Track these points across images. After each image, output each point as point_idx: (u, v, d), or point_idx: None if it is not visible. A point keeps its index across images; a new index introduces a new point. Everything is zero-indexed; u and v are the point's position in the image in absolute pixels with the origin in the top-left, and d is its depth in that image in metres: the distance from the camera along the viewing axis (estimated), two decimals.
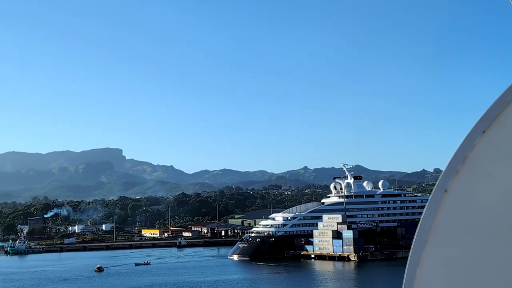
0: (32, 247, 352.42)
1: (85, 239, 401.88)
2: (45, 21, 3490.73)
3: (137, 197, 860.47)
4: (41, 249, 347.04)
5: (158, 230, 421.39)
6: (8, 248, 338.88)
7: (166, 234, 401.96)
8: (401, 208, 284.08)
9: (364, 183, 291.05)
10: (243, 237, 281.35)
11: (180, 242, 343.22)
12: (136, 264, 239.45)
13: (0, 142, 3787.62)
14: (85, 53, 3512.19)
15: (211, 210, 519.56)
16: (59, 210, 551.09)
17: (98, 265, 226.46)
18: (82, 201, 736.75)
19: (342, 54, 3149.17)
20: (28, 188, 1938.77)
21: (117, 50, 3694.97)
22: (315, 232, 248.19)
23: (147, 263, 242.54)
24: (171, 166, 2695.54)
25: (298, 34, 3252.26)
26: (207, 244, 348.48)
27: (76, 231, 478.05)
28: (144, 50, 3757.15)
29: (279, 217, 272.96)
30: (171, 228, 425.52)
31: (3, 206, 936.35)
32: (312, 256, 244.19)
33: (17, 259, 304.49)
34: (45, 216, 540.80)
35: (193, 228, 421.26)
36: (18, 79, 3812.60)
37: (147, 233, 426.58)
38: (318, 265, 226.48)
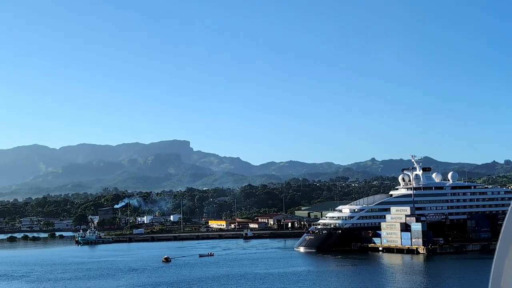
0: (102, 237, 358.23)
1: (153, 230, 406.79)
2: (105, 23, 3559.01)
3: (204, 189, 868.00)
4: (111, 239, 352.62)
5: (224, 222, 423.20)
6: (79, 238, 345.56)
7: (232, 226, 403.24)
8: (471, 200, 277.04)
9: (433, 175, 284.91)
10: (309, 229, 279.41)
11: (246, 234, 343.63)
12: (200, 255, 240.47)
13: (72, 134, 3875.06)
14: (153, 52, 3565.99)
15: (277, 201, 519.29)
16: (129, 201, 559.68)
17: (166, 256, 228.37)
18: (151, 192, 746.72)
19: (411, 52, 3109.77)
20: (99, 179, 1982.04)
21: (185, 47, 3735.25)
22: (383, 225, 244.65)
23: (211, 255, 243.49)
24: (238, 158, 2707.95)
25: (375, 35, 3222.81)
26: (273, 235, 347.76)
27: (145, 222, 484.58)
28: (209, 48, 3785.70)
29: (346, 209, 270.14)
30: (238, 220, 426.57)
31: (75, 197, 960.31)
32: (380, 248, 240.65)
33: (87, 249, 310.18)
34: (115, 206, 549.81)
35: (259, 220, 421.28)
36: (90, 80, 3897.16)
37: (214, 224, 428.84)
38: (386, 258, 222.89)
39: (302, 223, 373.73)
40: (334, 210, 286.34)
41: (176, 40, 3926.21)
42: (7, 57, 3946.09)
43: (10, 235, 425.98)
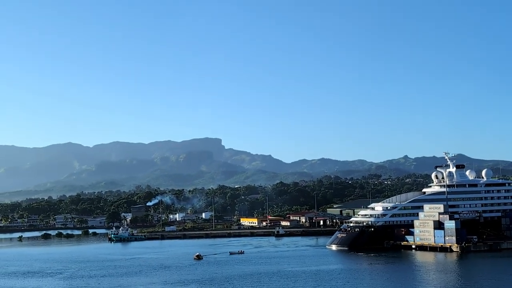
0: (134, 234, 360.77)
1: (185, 227, 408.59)
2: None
3: (236, 186, 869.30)
4: (143, 237, 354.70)
5: (256, 219, 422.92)
6: (112, 235, 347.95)
7: (264, 223, 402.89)
8: (505, 198, 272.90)
9: (467, 172, 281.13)
10: (341, 227, 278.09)
11: (278, 231, 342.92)
12: (231, 253, 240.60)
13: (105, 132, 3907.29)
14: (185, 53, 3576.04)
15: (309, 199, 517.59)
16: (162, 198, 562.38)
17: (197, 253, 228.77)
18: (183, 190, 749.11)
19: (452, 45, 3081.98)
20: (132, 177, 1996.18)
21: (216, 47, 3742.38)
22: (416, 222, 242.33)
23: (241, 252, 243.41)
24: (270, 156, 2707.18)
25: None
26: (305, 233, 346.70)
27: (177, 219, 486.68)
28: (241, 47, 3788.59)
29: (378, 207, 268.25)
30: (269, 217, 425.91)
31: (108, 195, 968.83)
32: (413, 246, 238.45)
33: (120, 246, 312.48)
34: (147, 204, 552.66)
35: (291, 217, 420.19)
36: (123, 81, 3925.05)
37: (245, 222, 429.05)
38: (419, 256, 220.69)
39: (334, 221, 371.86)
40: (367, 207, 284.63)
41: (207, 40, 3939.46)
42: (44, 60, 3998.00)
43: (44, 232, 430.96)
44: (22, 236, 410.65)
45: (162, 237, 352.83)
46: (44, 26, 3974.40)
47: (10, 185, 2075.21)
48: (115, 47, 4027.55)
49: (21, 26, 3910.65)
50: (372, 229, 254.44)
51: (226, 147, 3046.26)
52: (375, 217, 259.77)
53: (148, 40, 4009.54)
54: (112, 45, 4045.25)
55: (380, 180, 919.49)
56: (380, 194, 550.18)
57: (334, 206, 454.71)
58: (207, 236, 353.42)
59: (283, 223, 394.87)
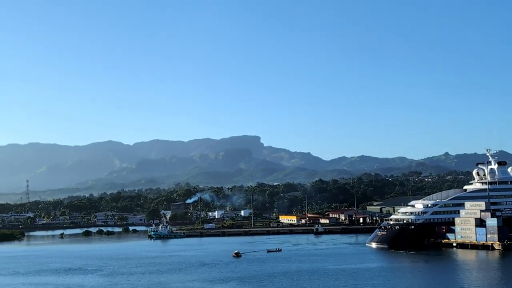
0: (174, 231, 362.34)
1: (224, 225, 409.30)
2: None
3: (275, 184, 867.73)
4: (182, 234, 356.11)
5: (295, 217, 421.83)
6: (152, 233, 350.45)
7: (303, 221, 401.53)
8: None
9: (509, 169, 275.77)
10: (381, 225, 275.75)
11: (317, 229, 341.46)
12: (268, 251, 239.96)
13: (145, 130, 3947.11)
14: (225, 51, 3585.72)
15: (349, 197, 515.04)
16: (201, 196, 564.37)
17: (236, 251, 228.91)
18: (222, 187, 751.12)
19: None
20: (171, 175, 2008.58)
21: (254, 45, 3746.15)
22: (457, 220, 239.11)
23: (279, 250, 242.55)
24: (309, 153, 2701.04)
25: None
26: (344, 231, 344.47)
27: (216, 217, 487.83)
28: (278, 44, 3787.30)
29: (419, 204, 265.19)
30: (309, 215, 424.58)
31: (148, 192, 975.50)
32: (454, 244, 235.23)
33: (159, 243, 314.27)
34: (186, 201, 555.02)
35: (330, 215, 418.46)
36: (161, 79, 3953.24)
37: (284, 219, 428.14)
38: (460, 254, 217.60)
39: (374, 218, 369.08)
40: (407, 205, 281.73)
41: (246, 39, 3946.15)
42: (85, 62, 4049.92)
43: (85, 229, 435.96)
44: (63, 233, 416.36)
45: (201, 235, 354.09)
46: (87, 31, 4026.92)
47: (52, 183, 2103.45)
48: (156, 48, 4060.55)
49: (69, 32, 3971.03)
50: (413, 227, 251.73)
51: (265, 145, 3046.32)
52: (416, 214, 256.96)
53: (188, 39, 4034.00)
54: (152, 46, 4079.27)
55: (420, 178, 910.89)
56: (420, 191, 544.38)
57: (374, 204, 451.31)
58: (245, 233, 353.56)
59: (322, 220, 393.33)
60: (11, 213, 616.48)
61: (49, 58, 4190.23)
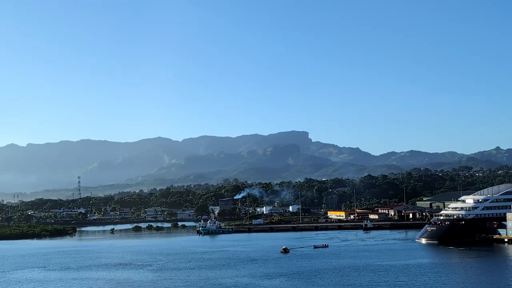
0: (222, 227, 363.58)
1: (272, 220, 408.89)
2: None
3: (323, 179, 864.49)
4: (231, 230, 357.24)
5: (344, 212, 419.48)
6: (200, 228, 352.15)
7: (352, 216, 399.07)
8: None
9: None
10: (431, 220, 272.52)
11: (366, 225, 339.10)
12: (315, 247, 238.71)
13: (193, 127, 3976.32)
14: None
15: (398, 192, 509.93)
16: (250, 191, 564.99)
17: (284, 247, 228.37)
18: (270, 183, 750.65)
19: None
20: (220, 171, 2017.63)
21: (304, 43, 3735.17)
22: (509, 215, 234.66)
23: (326, 246, 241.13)
24: (357, 148, 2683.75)
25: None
26: (393, 227, 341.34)
27: (264, 213, 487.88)
28: (327, 39, 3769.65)
29: (469, 200, 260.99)
30: (357, 210, 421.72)
31: (196, 188, 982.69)
32: (505, 240, 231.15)
33: (208, 238, 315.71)
34: (235, 197, 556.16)
35: (379, 211, 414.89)
36: (210, 76, 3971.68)
37: (333, 215, 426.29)
38: None
39: (424, 214, 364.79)
40: (457, 200, 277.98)
41: (293, 31, 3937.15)
42: (132, 59, 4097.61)
43: (135, 225, 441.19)
44: (114, 228, 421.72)
45: (249, 230, 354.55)
46: (144, 35, 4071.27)
47: (103, 179, 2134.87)
48: (203, 45, 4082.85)
49: (101, 38, 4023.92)
50: (463, 222, 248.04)
51: (313, 140, 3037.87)
52: (466, 210, 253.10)
53: (236, 37, 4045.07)
54: (199, 43, 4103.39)
55: (471, 172, 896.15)
56: (471, 186, 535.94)
57: (424, 199, 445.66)
58: (294, 229, 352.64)
59: (371, 216, 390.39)
60: (63, 209, 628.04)
61: (98, 57, 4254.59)
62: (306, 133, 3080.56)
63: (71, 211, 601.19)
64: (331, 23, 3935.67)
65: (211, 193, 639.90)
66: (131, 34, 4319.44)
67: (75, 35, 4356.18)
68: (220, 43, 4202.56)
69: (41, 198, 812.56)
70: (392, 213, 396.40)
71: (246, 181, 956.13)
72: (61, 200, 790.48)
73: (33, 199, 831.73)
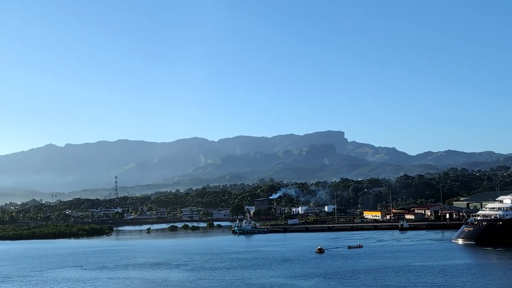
0: (257, 227, 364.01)
1: (307, 220, 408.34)
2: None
3: (359, 179, 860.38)
4: (266, 229, 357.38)
5: (380, 212, 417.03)
6: (235, 228, 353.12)
7: (388, 217, 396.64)
8: None
9: None
10: (468, 221, 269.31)
11: (402, 225, 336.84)
12: (349, 247, 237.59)
13: (229, 127, 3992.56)
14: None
15: (434, 192, 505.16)
16: (286, 191, 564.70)
17: (319, 247, 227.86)
18: (306, 183, 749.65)
19: None
20: (255, 171, 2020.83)
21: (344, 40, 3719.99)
22: None
23: (360, 246, 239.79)
24: (393, 148, 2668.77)
25: None
26: (430, 227, 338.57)
27: (300, 212, 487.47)
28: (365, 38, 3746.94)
29: (507, 200, 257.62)
30: (393, 211, 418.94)
31: (232, 188, 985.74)
32: None
33: (243, 238, 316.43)
34: (271, 197, 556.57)
35: (416, 211, 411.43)
36: (246, 77, 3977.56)
37: (368, 215, 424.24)
38: None
39: (461, 214, 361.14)
40: (495, 200, 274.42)
41: (330, 32, 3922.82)
42: (168, 61, 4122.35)
43: (171, 224, 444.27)
44: (150, 228, 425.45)
45: (285, 230, 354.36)
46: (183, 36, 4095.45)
47: (141, 178, 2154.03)
48: (238, 45, 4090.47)
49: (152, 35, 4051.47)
50: (501, 223, 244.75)
51: (349, 140, 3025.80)
52: (504, 210, 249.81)
53: (271, 37, 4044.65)
54: (234, 44, 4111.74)
55: (509, 172, 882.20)
56: (509, 186, 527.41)
57: (461, 199, 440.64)
58: (329, 229, 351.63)
59: (408, 216, 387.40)
60: (101, 208, 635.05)
61: (135, 59, 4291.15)
62: (342, 133, 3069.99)
63: (108, 210, 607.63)
64: (366, 23, 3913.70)
65: (247, 193, 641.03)
66: (166, 36, 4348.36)
67: (112, 37, 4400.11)
68: (255, 44, 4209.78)
69: (79, 198, 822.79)
70: (429, 213, 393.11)
71: (281, 181, 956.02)
72: (98, 199, 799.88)
73: (71, 199, 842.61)
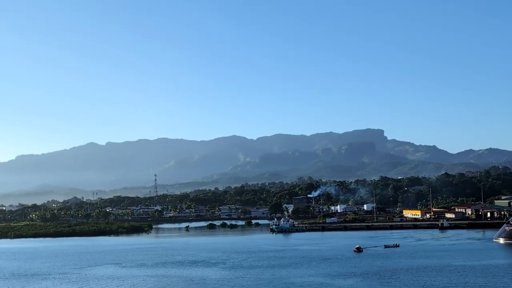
0: (295, 225, 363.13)
1: (346, 219, 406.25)
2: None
3: (398, 178, 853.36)
4: (304, 228, 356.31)
5: (419, 211, 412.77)
6: (273, 226, 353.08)
7: (428, 215, 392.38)
8: None
9: None
10: (509, 220, 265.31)
11: (442, 224, 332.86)
12: (386, 246, 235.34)
13: (268, 125, 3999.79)
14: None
15: (475, 191, 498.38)
16: (326, 189, 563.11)
17: (357, 246, 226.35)
18: (345, 181, 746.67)
19: None
20: (294, 169, 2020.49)
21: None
22: None
23: (396, 245, 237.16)
24: (434, 146, 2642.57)
25: None
26: (471, 226, 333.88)
27: (338, 211, 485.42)
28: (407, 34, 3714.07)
29: None
30: (433, 209, 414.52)
31: (271, 186, 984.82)
32: None
33: (281, 237, 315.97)
34: (309, 195, 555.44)
35: (456, 209, 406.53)
36: (285, 72, 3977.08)
37: (408, 214, 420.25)
38: None
39: (502, 213, 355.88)
40: None
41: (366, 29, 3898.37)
42: (209, 58, 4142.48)
43: (210, 222, 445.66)
44: (188, 226, 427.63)
45: (323, 229, 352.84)
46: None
47: (180, 176, 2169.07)
48: (278, 43, 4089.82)
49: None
50: None
51: (388, 138, 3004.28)
52: None
53: (312, 32, 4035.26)
54: (270, 41, 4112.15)
55: None
56: None
57: (502, 198, 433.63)
58: (368, 228, 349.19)
59: (448, 215, 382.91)
60: (140, 206, 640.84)
61: (173, 58, 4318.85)
62: (381, 131, 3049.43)
63: (147, 208, 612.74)
64: (409, 19, 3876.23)
65: (285, 191, 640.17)
66: (203, 33, 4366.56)
67: (151, 40, 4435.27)
68: (299, 41, 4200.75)
69: (119, 196, 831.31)
70: (470, 212, 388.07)
71: (320, 179, 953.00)
72: (138, 197, 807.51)
73: (111, 197, 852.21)
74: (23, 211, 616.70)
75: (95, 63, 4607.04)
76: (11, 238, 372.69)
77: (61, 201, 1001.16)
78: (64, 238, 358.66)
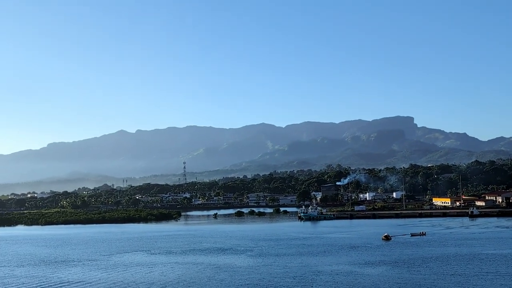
0: (323, 213, 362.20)
1: (375, 207, 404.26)
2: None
3: (428, 165, 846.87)
4: (332, 216, 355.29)
5: (449, 199, 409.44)
6: (302, 214, 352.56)
7: (457, 203, 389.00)
8: None
9: None
10: None
11: (472, 212, 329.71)
12: (412, 235, 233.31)
13: (297, 113, 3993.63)
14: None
15: (506, 178, 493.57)
16: (354, 177, 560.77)
17: (386, 234, 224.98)
18: (374, 169, 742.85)
19: None
20: (323, 156, 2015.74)
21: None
22: None
23: (423, 234, 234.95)
24: (464, 134, 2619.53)
25: None
26: (501, 214, 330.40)
27: (367, 199, 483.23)
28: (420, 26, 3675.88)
29: None
30: (463, 197, 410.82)
31: (299, 174, 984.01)
32: None
33: (309, 224, 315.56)
34: (338, 183, 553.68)
35: (486, 197, 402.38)
36: (311, 65, 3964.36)
37: (437, 201, 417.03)
38: None
39: None
40: None
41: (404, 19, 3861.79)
42: (243, 56, 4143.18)
43: (238, 210, 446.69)
44: (217, 213, 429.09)
45: (351, 217, 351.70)
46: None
47: (209, 164, 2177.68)
48: (305, 34, 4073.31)
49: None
50: None
51: (418, 125, 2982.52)
52: None
53: (345, 25, 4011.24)
54: (303, 31, 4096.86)
55: None
56: None
57: None
58: (397, 216, 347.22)
59: (478, 203, 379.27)
60: (170, 194, 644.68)
61: (204, 48, 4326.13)
62: (411, 118, 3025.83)
63: (176, 195, 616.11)
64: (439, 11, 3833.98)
65: (314, 179, 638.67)
66: (235, 29, 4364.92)
67: (181, 24, 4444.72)
68: (324, 32, 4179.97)
69: (149, 183, 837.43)
70: (500, 200, 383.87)
71: (349, 167, 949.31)
72: (167, 185, 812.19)
73: (141, 184, 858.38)
74: (54, 198, 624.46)
75: (125, 56, 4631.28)
76: (41, 224, 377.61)
77: (91, 188, 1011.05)
78: (94, 225, 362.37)
